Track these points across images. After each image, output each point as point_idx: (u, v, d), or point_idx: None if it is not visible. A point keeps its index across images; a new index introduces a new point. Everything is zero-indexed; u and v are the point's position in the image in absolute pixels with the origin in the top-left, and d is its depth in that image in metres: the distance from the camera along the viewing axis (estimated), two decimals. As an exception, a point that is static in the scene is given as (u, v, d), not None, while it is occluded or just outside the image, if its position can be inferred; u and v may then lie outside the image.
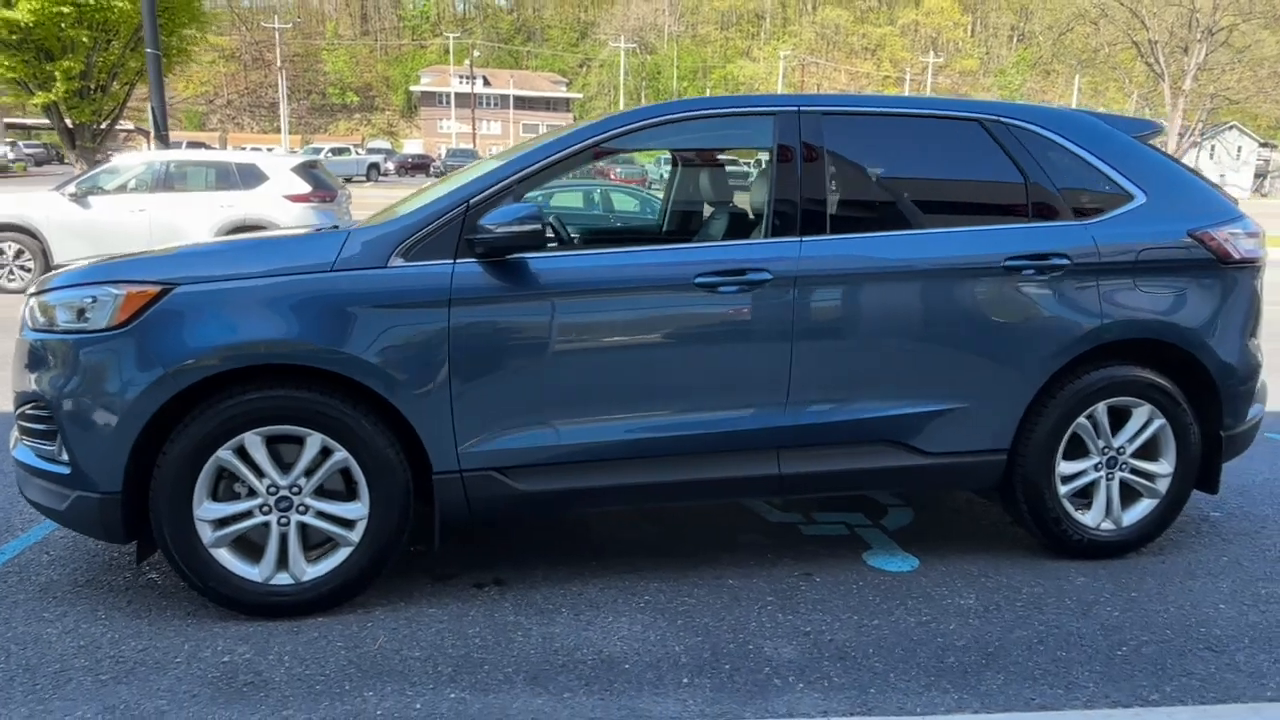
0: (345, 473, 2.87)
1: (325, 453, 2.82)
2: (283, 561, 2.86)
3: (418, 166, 49.85)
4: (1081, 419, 3.32)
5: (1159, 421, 3.38)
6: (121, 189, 10.62)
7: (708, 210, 3.99)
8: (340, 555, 2.89)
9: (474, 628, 2.85)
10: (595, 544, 3.56)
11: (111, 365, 2.70)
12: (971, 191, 3.40)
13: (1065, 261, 3.22)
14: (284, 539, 2.85)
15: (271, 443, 2.82)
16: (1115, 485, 3.41)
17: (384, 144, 63.96)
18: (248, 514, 2.83)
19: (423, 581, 3.16)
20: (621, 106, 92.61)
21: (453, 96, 77.87)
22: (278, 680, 2.54)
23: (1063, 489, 3.36)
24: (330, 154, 42.51)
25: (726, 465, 3.10)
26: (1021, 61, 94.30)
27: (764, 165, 3.19)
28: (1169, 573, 3.35)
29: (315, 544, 2.92)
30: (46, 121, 22.16)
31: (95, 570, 3.19)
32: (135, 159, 11.12)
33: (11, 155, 50.76)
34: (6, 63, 14.73)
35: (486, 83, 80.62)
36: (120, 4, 14.34)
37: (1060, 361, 3.24)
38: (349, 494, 2.89)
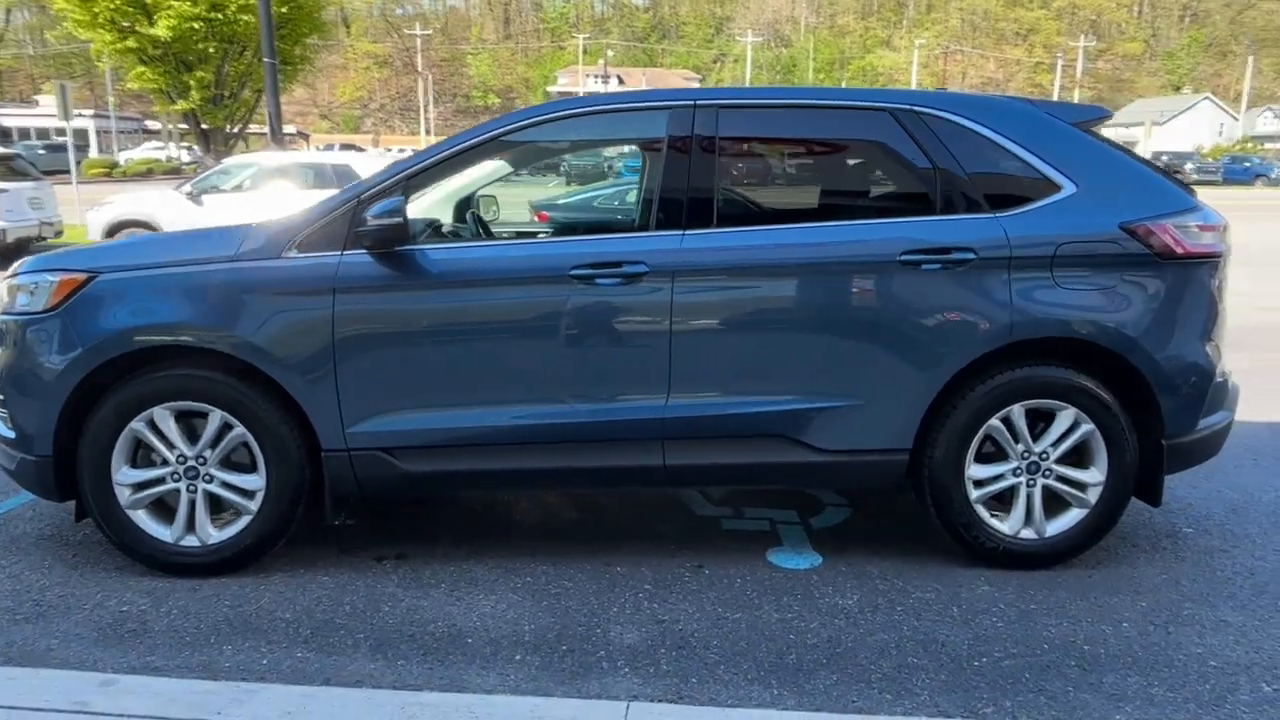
0: (249, 447, 3.12)
1: (226, 428, 3.09)
2: (191, 525, 3.14)
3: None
4: (994, 421, 3.17)
5: (1086, 426, 3.18)
6: (235, 188, 11.59)
7: (618, 204, 4.04)
8: (241, 523, 3.14)
9: (352, 596, 3.04)
10: (512, 526, 3.70)
11: (44, 343, 3.05)
12: (876, 184, 3.30)
13: (970, 255, 3.09)
14: (192, 505, 3.13)
15: (184, 417, 3.11)
16: (1038, 492, 3.24)
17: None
18: (161, 480, 3.13)
19: (331, 552, 3.38)
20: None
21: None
22: (157, 630, 2.81)
23: (975, 493, 3.22)
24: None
25: (610, 454, 3.16)
26: (1193, 43, 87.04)
27: (658, 160, 3.21)
28: (1089, 586, 3.15)
29: (221, 511, 3.19)
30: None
31: (62, 527, 3.59)
32: (245, 160, 12.10)
33: (188, 158, 55.68)
34: (150, 74, 16.43)
35: (620, 81, 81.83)
36: (246, 17, 15.63)
37: (964, 360, 3.11)
38: (252, 467, 3.14)
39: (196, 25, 15.81)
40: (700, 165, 3.15)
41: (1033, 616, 2.94)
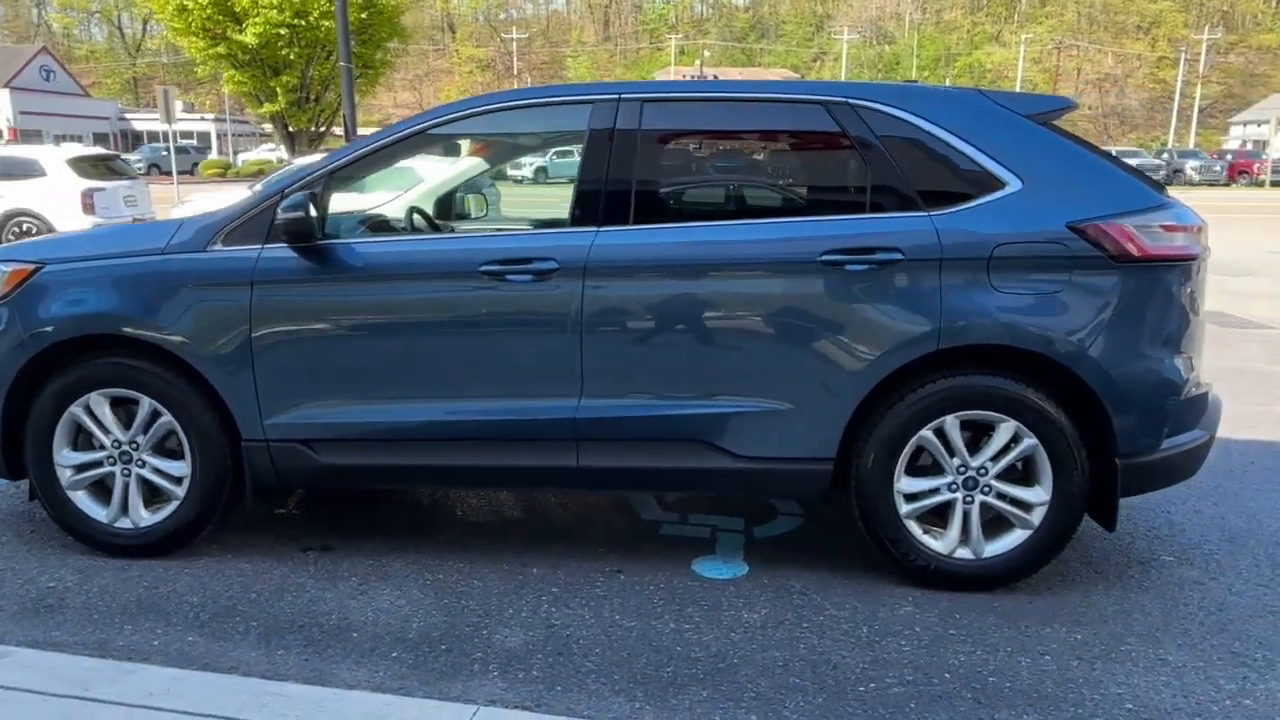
0: (177, 434, 3.22)
1: (156, 415, 3.19)
2: (125, 508, 3.26)
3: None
4: (926, 432, 2.98)
5: (1029, 441, 2.95)
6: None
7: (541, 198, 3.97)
8: (170, 508, 3.24)
9: (262, 584, 3.09)
10: (453, 523, 3.70)
11: (4, 332, 3.22)
12: (806, 180, 3.15)
13: (896, 256, 2.91)
14: (126, 488, 3.25)
15: (121, 403, 3.23)
16: (976, 510, 3.03)
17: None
18: (99, 463, 3.26)
19: (265, 540, 3.45)
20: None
21: (683, 96, 79.30)
22: (73, 606, 2.93)
23: (905, 507, 3.03)
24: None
25: (524, 454, 3.12)
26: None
27: (581, 155, 3.15)
28: (1025, 613, 2.92)
29: (155, 496, 3.30)
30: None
31: (31, 507, 3.78)
32: (313, 159, 12.57)
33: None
34: (240, 78, 17.36)
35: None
36: (328, 23, 16.27)
37: (888, 367, 2.94)
38: (181, 454, 3.23)
39: (281, 31, 16.59)
40: (620, 160, 3.07)
41: (946, 642, 2.74)
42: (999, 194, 2.96)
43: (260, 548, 3.39)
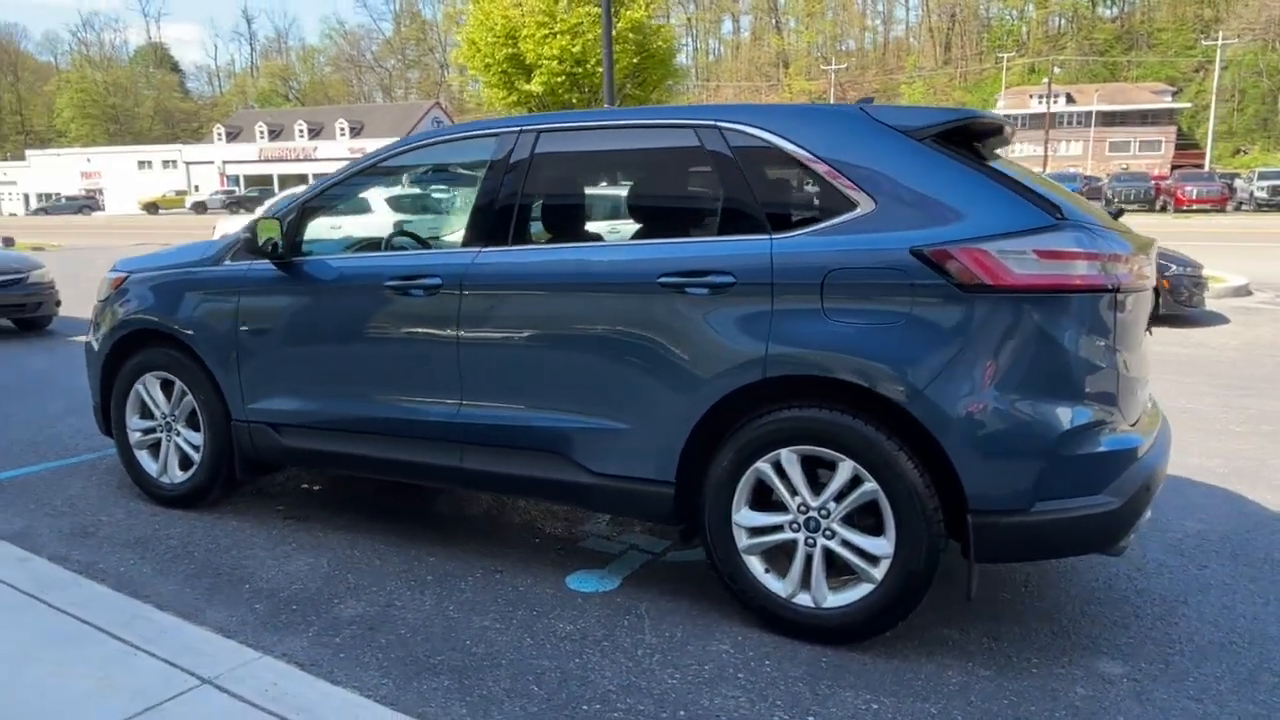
0: (197, 412, 4.00)
1: (182, 393, 3.99)
2: (166, 468, 4.11)
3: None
4: (763, 465, 2.84)
5: (869, 485, 2.70)
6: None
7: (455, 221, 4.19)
8: (191, 470, 4.03)
9: (229, 540, 3.73)
10: (420, 513, 4.12)
11: (102, 322, 4.24)
12: (667, 203, 3.13)
13: (728, 280, 2.83)
14: (168, 451, 4.10)
15: (169, 385, 4.09)
16: (818, 554, 2.81)
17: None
18: (153, 430, 4.14)
19: (267, 507, 4.13)
20: (1236, 113, 77.26)
21: (1026, 118, 73.50)
22: (101, 535, 3.78)
23: (744, 541, 2.90)
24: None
25: (424, 452, 3.45)
26: None
27: (481, 182, 3.42)
28: (843, 673, 2.65)
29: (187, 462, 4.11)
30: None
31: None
32: (298, 190, 13.86)
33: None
34: (530, 123, 19.35)
35: (1070, 100, 74.39)
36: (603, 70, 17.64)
37: (717, 393, 2.85)
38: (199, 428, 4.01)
39: (561, 79, 18.46)
40: (508, 187, 3.31)
41: (718, 684, 2.60)
42: (846, 216, 2.75)
43: (256, 512, 4.07)
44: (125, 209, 62.16)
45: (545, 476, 3.21)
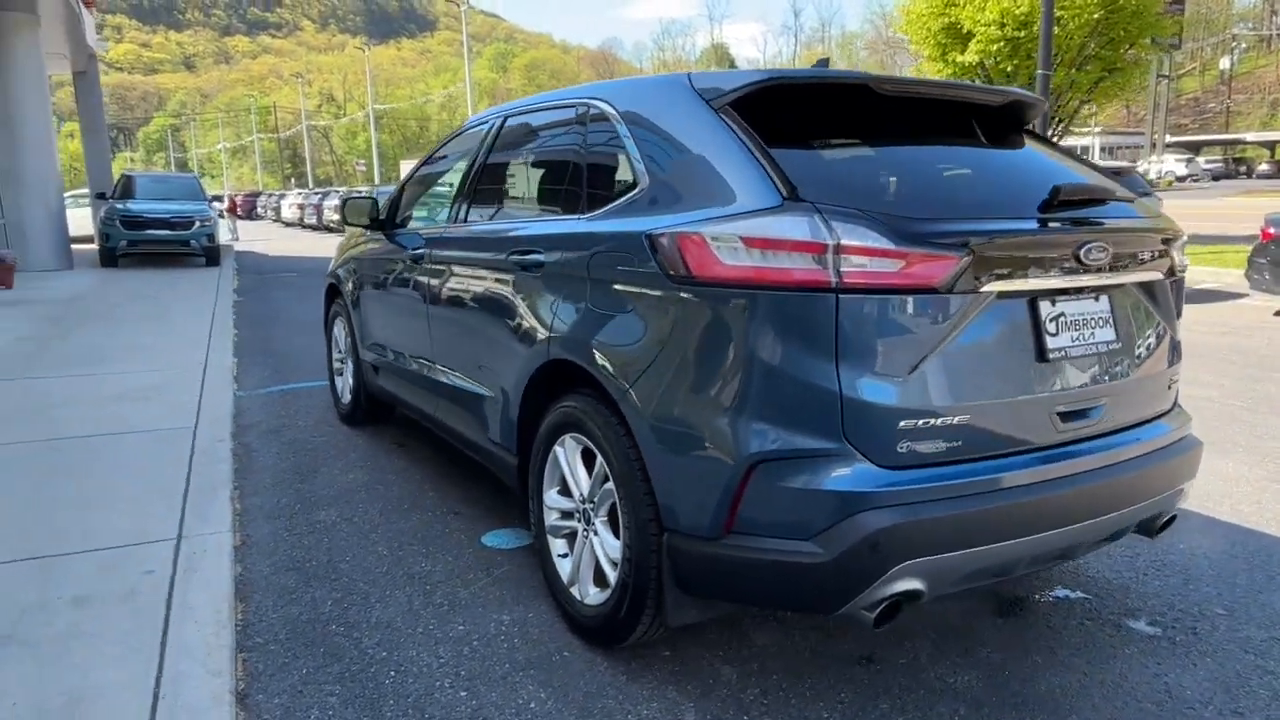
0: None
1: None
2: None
3: None
4: (557, 448, 2.81)
5: (609, 484, 2.55)
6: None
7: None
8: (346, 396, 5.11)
9: (329, 448, 4.71)
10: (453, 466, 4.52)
11: None
12: (541, 182, 3.19)
13: (540, 259, 2.84)
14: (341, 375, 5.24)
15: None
16: (586, 548, 2.71)
17: None
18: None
19: (391, 438, 5.03)
20: None
21: None
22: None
23: (549, 519, 2.90)
24: None
25: (430, 404, 3.94)
26: None
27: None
28: (637, 676, 2.54)
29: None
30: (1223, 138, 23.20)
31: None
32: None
33: (1185, 170, 54.22)
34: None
35: None
36: (1058, 28, 15.08)
37: (527, 371, 2.89)
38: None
39: (999, 44, 16.44)
40: (473, 170, 3.64)
41: (517, 680, 2.56)
42: (627, 196, 2.57)
43: (380, 438, 4.98)
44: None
45: (472, 437, 3.50)
